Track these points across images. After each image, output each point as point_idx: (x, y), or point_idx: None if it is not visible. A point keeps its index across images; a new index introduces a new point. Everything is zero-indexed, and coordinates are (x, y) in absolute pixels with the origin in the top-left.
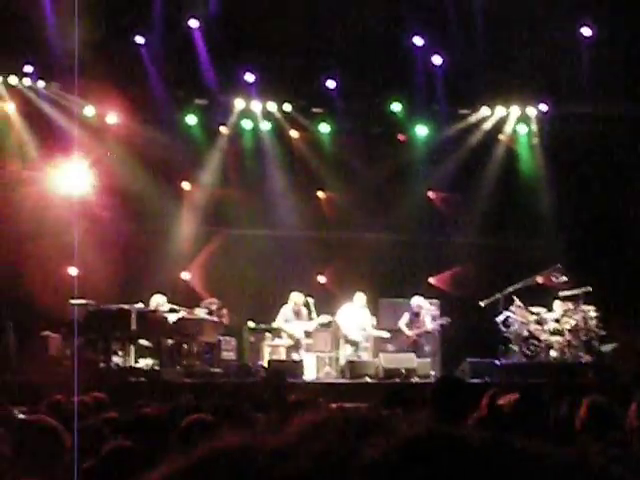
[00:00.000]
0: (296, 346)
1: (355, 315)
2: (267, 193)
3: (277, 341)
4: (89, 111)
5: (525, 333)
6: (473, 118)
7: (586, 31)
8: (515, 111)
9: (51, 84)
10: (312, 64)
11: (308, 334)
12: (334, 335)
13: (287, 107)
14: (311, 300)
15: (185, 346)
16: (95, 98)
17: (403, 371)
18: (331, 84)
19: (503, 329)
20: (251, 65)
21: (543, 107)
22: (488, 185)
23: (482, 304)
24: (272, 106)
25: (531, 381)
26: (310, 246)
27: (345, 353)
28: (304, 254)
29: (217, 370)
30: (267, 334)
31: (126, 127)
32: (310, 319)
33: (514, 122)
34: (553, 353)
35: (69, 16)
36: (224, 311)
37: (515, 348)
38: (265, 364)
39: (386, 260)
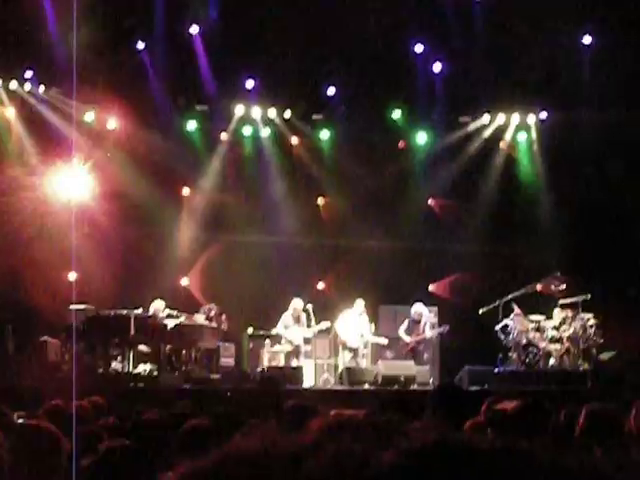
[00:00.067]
0: (295, 352)
1: (354, 322)
2: (267, 199)
3: (276, 347)
4: (89, 116)
5: (524, 341)
6: (473, 125)
7: (586, 39)
8: (515, 119)
9: (51, 89)
10: (312, 71)
11: (307, 341)
12: (333, 342)
13: (287, 114)
14: (310, 307)
15: (184, 352)
16: (95, 103)
17: (402, 378)
18: (331, 91)
19: (502, 337)
20: (251, 71)
21: (543, 115)
22: (488, 192)
23: (481, 312)
24: (272, 112)
25: (530, 389)
26: (310, 252)
27: (344, 360)
28: (304, 260)
29: (216, 376)
30: (266, 340)
31: (126, 133)
32: (309, 326)
33: (514, 130)
34: (552, 361)
35: (70, 21)
36: (223, 317)
37: (514, 356)
38: (262, 371)
39: (386, 267)
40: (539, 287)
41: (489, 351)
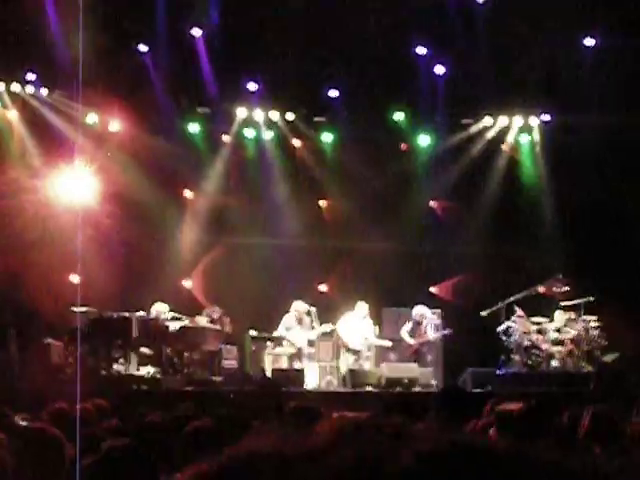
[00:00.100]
0: (298, 355)
1: (357, 324)
2: (269, 202)
3: (278, 350)
4: (92, 119)
5: (526, 343)
6: (475, 128)
7: (589, 41)
8: (517, 121)
9: (54, 92)
10: (315, 73)
11: (310, 343)
12: (336, 344)
13: (290, 116)
14: (313, 309)
15: (186, 354)
16: (98, 106)
17: (405, 380)
18: (334, 93)
19: (504, 339)
20: (254, 74)
21: (545, 117)
22: (490, 194)
23: (483, 314)
24: (275, 115)
25: (532, 391)
26: (312, 255)
27: (347, 362)
28: (306, 263)
29: (218, 378)
30: (269, 343)
31: (129, 135)
32: (312, 328)
33: (516, 132)
34: (554, 363)
35: (72, 24)
36: (226, 319)
37: (516, 358)
38: (264, 373)
39: (388, 269)
40: (541, 289)
41: (492, 353)
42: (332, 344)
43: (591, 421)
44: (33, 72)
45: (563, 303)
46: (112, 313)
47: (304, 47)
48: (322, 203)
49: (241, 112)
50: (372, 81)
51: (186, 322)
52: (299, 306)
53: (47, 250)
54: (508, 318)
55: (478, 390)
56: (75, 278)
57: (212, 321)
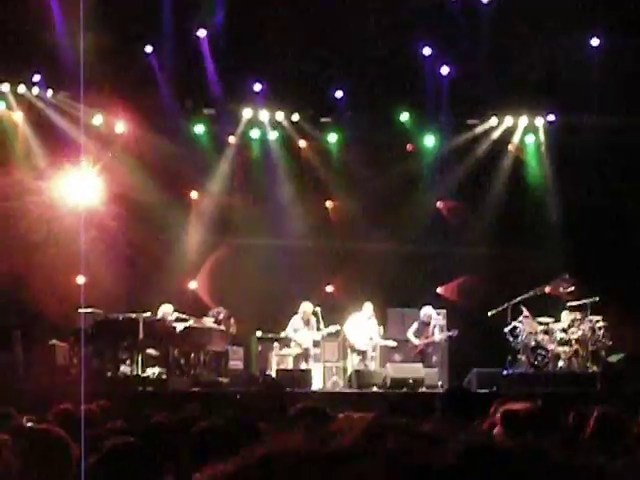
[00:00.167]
0: (304, 355)
1: (363, 325)
2: (275, 202)
3: (285, 350)
4: (97, 120)
5: (533, 343)
6: (481, 128)
7: (594, 41)
8: (523, 121)
9: (59, 93)
10: (320, 74)
11: (316, 344)
12: (341, 345)
13: (295, 117)
14: (318, 309)
15: (193, 355)
16: (103, 107)
17: (410, 381)
18: (339, 94)
19: (511, 339)
20: (259, 75)
21: (551, 117)
22: (496, 195)
23: (490, 314)
24: (280, 116)
25: (539, 391)
26: (318, 255)
27: (352, 363)
28: (312, 263)
29: (225, 379)
30: (275, 343)
31: (134, 136)
32: (318, 329)
33: (522, 132)
34: (561, 363)
35: (78, 25)
36: (232, 320)
37: (523, 358)
38: (268, 374)
39: (394, 270)
40: (547, 289)
41: (498, 353)
42: (338, 345)
43: (597, 421)
44: (39, 74)
45: (569, 303)
46: (118, 314)
47: (310, 48)
48: (328, 203)
49: (246, 113)
50: (377, 82)
51: (192, 323)
52: (307, 307)
53: (52, 251)
54: (514, 318)
55: (483, 390)
56: (81, 279)
57: (218, 322)
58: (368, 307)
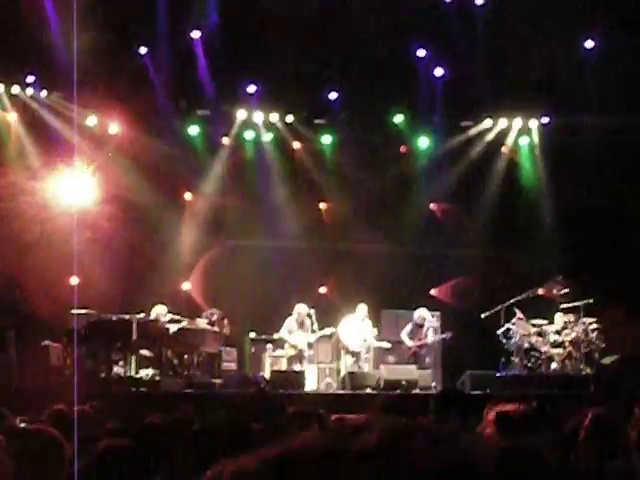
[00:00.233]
0: (298, 357)
1: (357, 326)
2: (269, 204)
3: (278, 352)
4: (91, 121)
5: (526, 345)
6: (475, 130)
7: (589, 43)
8: (517, 123)
9: (53, 94)
10: (314, 75)
11: (310, 345)
12: (335, 346)
13: (289, 118)
14: (313, 311)
15: (186, 356)
16: (97, 108)
17: (404, 382)
18: (333, 95)
19: (504, 341)
20: (253, 76)
21: (545, 119)
22: (490, 197)
23: (483, 316)
24: (274, 117)
25: (532, 393)
26: (312, 257)
27: (346, 364)
28: (306, 265)
29: (218, 381)
30: (268, 345)
31: (128, 137)
32: (313, 331)
33: (516, 134)
34: (554, 365)
35: (72, 26)
36: (225, 321)
37: (516, 360)
38: (266, 375)
39: (388, 271)
40: (541, 291)
41: (491, 355)
42: (331, 346)
43: (591, 423)
44: (33, 74)
45: (563, 305)
46: (112, 315)
47: (303, 49)
48: (322, 205)
49: (241, 114)
50: (371, 83)
51: (185, 324)
52: (301, 309)
53: (45, 252)
54: (508, 320)
55: (477, 392)
56: (74, 280)
57: (211, 323)
58: (362, 308)
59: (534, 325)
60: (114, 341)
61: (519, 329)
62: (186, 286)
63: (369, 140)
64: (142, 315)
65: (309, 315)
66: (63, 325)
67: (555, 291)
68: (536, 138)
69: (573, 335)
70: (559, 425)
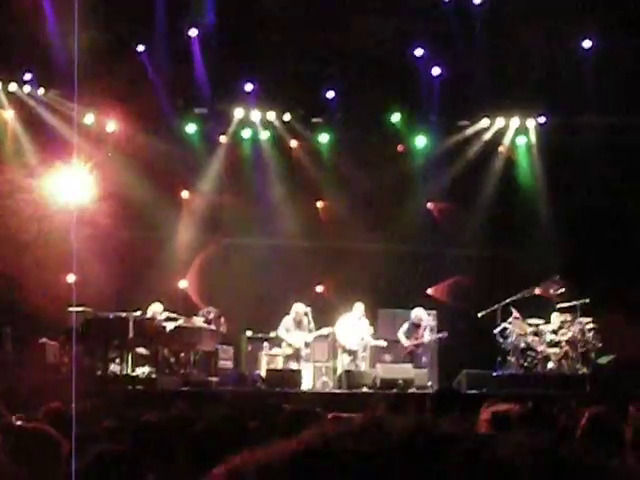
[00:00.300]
0: (295, 355)
1: (353, 325)
2: (266, 202)
3: (275, 350)
4: (89, 119)
5: (522, 344)
6: (472, 129)
7: (587, 43)
8: (514, 122)
9: (51, 91)
10: (312, 74)
11: (307, 344)
12: (332, 345)
13: (286, 117)
14: (309, 310)
15: (182, 354)
16: (95, 106)
17: (400, 381)
18: (331, 94)
19: (500, 340)
20: (251, 74)
21: (542, 118)
22: (487, 196)
23: (480, 315)
24: (271, 115)
25: (528, 392)
26: (308, 255)
27: (343, 363)
28: (303, 263)
29: (214, 379)
30: (265, 343)
31: (126, 135)
32: (310, 330)
33: (513, 133)
34: (550, 364)
35: (70, 24)
36: (222, 320)
37: (512, 359)
38: (263, 373)
39: (385, 270)
40: (538, 291)
41: (488, 355)
42: (327, 345)
43: (588, 422)
44: (30, 72)
45: (559, 305)
46: (108, 313)
47: (301, 48)
48: (319, 204)
49: (238, 113)
50: (369, 82)
51: (182, 322)
52: (299, 308)
53: (43, 250)
54: (504, 320)
55: (473, 391)
56: (71, 278)
57: (208, 321)
58: (359, 307)
59: (530, 324)
60: (111, 339)
61: (515, 328)
62: (183, 284)
63: (366, 139)
64: (139, 313)
65: (306, 314)
66: (60, 323)
67: (552, 291)
68: (533, 138)
69: (569, 335)
70: (555, 424)
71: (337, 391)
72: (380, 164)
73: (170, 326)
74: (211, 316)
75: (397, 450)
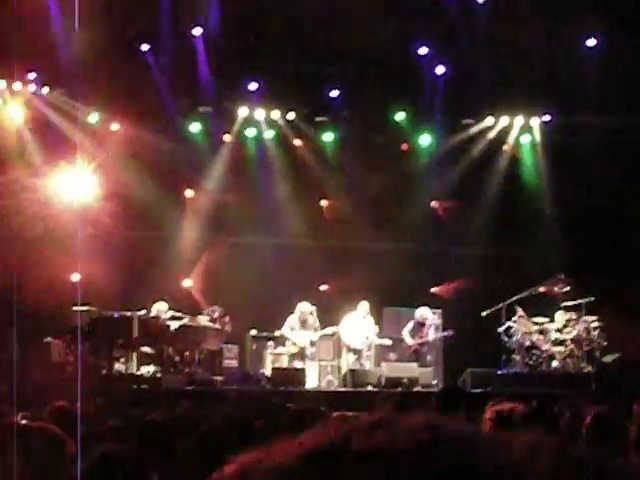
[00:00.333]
0: (300, 354)
1: (358, 324)
2: (270, 201)
3: (279, 349)
4: (93, 118)
5: (527, 343)
6: (476, 128)
7: (591, 42)
8: (519, 121)
9: (55, 91)
10: (316, 73)
11: (312, 343)
12: (336, 344)
13: (291, 115)
14: (314, 308)
15: (187, 354)
16: (99, 105)
17: (405, 380)
18: (335, 93)
19: (505, 339)
20: (255, 73)
21: (546, 117)
22: (491, 195)
23: (484, 314)
24: (276, 114)
25: (533, 391)
26: (313, 254)
27: (348, 362)
28: (307, 262)
29: (219, 378)
30: (269, 342)
31: (130, 134)
32: (315, 329)
33: (517, 132)
34: (555, 363)
35: (74, 24)
36: (226, 319)
37: (517, 358)
38: (268, 372)
39: (389, 269)
40: (543, 289)
41: (492, 353)
42: (332, 343)
43: (593, 421)
44: (35, 71)
45: (564, 303)
46: (113, 312)
47: (305, 47)
48: (323, 203)
49: (242, 111)
50: (373, 81)
51: (187, 321)
52: (304, 307)
53: (47, 249)
54: (509, 318)
55: (478, 390)
56: (76, 277)
57: (213, 320)
58: (364, 306)
59: (535, 323)
60: (116, 338)
61: (520, 327)
62: (187, 283)
63: (370, 138)
64: (143, 312)
65: (311, 313)
66: (65, 322)
67: (557, 289)
68: (538, 136)
69: (574, 333)
70: (559, 423)
71: (342, 390)
72: (384, 163)
73: (175, 325)
74: (216, 315)
75: (411, 449)
